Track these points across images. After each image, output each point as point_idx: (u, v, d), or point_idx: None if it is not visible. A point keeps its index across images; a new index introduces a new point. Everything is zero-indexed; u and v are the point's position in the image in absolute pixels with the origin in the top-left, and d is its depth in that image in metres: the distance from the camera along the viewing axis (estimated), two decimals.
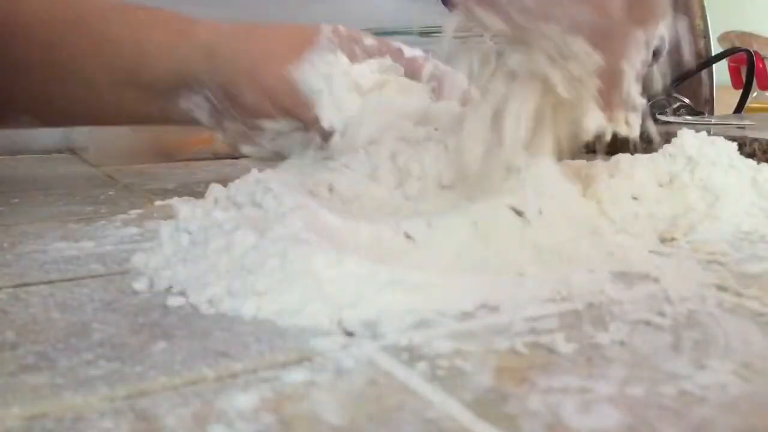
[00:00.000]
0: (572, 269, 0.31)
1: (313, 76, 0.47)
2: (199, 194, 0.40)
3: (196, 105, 0.51)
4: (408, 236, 0.32)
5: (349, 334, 0.25)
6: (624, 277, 0.31)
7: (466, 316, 0.26)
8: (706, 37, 0.95)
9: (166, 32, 0.52)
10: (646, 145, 0.42)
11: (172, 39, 0.51)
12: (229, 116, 0.50)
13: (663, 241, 0.37)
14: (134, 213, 0.44)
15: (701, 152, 0.42)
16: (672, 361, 0.23)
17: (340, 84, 0.47)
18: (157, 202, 0.47)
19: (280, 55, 0.49)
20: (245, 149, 0.52)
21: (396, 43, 0.52)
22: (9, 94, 0.52)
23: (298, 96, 0.48)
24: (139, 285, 0.29)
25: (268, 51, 0.50)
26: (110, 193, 0.53)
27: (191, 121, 0.53)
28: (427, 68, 0.50)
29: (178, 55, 0.50)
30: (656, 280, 0.30)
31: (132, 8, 0.53)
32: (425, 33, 0.64)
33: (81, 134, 0.76)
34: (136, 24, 0.52)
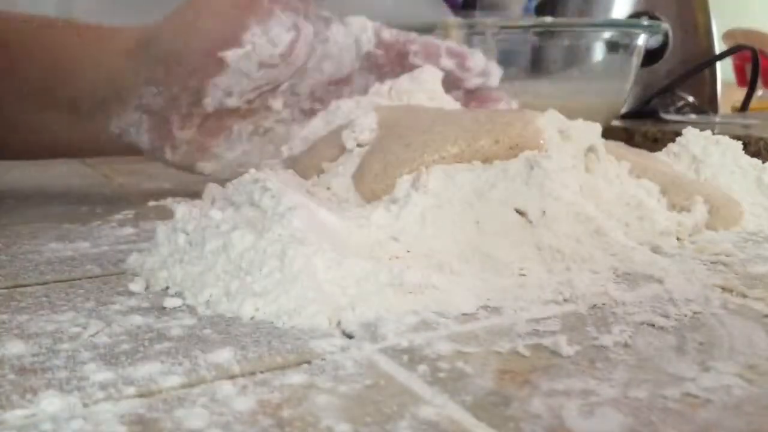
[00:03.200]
0: (575, 270, 0.31)
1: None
2: (195, 194, 0.40)
3: (131, 124, 0.45)
4: (409, 236, 0.32)
5: (349, 336, 0.25)
6: (627, 278, 0.31)
7: (467, 317, 0.26)
8: (710, 34, 0.95)
9: (84, 41, 0.46)
10: (651, 143, 0.41)
11: (91, 48, 0.45)
12: (180, 104, 0.44)
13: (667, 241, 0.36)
14: (130, 213, 0.44)
15: (706, 151, 0.42)
16: (676, 363, 0.22)
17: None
18: (153, 202, 0.47)
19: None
20: (203, 167, 0.46)
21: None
22: None
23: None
24: (136, 286, 0.29)
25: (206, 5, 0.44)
26: (106, 193, 0.53)
27: (128, 149, 0.46)
28: (442, 47, 0.46)
29: (100, 60, 0.45)
30: (660, 281, 0.30)
31: (48, 20, 0.47)
32: (425, 30, 0.64)
33: None
34: (50, 35, 0.46)
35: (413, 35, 0.47)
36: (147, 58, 0.44)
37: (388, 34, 0.47)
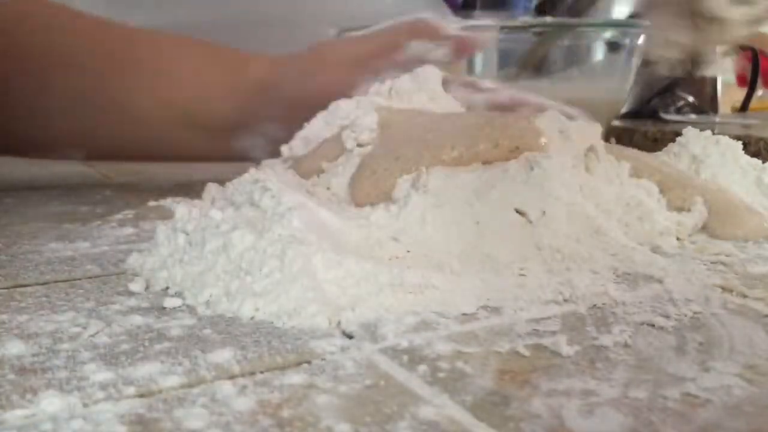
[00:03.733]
0: (575, 270, 0.31)
1: None
2: (195, 194, 0.40)
3: (253, 146, 0.50)
4: (409, 236, 0.32)
5: (349, 336, 0.25)
6: (627, 278, 0.31)
7: (467, 317, 0.26)
8: None
9: (222, 70, 0.51)
10: (651, 143, 0.41)
11: (227, 77, 0.51)
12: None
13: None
14: (130, 213, 0.44)
15: (706, 151, 0.42)
16: (676, 364, 0.22)
17: None
18: (153, 202, 0.47)
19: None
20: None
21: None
22: (56, 124, 0.51)
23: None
24: (136, 286, 0.29)
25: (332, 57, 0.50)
26: (106, 193, 0.53)
27: (249, 159, 0.52)
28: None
29: (236, 92, 0.50)
30: (660, 281, 0.30)
31: (185, 42, 0.53)
32: None
33: None
34: (190, 59, 0.52)
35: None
36: (271, 98, 0.50)
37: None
